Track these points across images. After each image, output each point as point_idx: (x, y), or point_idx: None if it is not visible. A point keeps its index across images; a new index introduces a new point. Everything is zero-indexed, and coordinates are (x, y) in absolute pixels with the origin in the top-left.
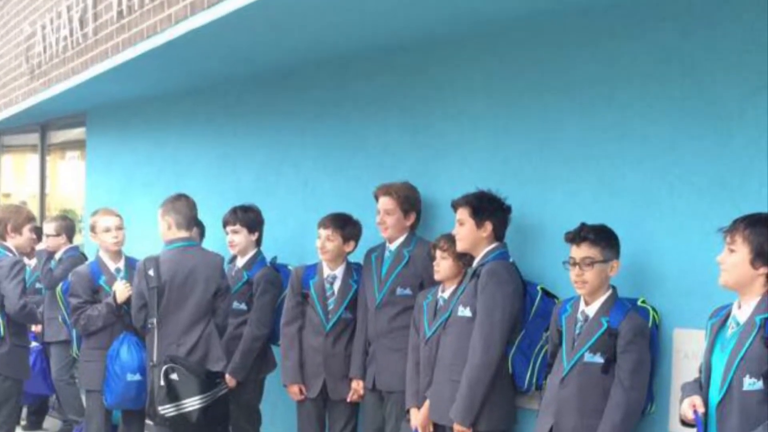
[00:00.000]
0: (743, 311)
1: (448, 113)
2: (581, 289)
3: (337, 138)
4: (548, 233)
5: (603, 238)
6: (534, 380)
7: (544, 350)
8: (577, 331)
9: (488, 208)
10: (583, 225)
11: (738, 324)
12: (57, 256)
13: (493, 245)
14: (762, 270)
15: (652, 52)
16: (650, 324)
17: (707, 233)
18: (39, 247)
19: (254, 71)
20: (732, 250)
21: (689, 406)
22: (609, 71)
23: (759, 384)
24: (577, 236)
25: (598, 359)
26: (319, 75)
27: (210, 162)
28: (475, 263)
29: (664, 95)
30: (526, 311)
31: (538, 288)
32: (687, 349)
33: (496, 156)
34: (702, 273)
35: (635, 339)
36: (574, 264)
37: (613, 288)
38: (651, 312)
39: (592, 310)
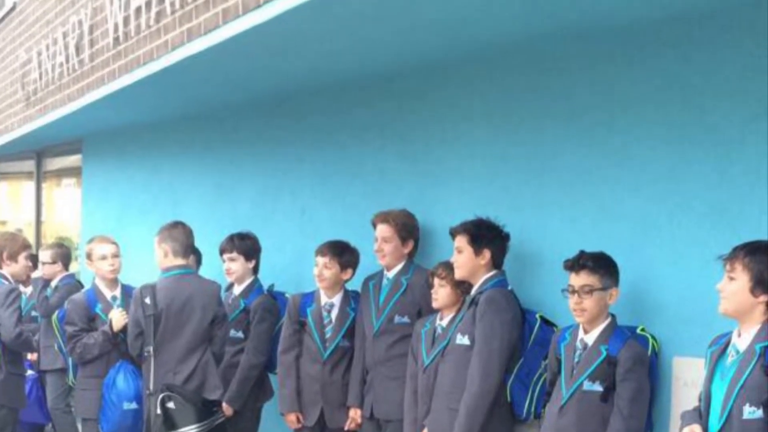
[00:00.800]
0: (743, 339)
1: (446, 140)
2: (580, 317)
3: (335, 165)
4: (547, 260)
5: (602, 265)
6: (533, 409)
7: (542, 378)
8: (576, 360)
9: (487, 236)
10: (582, 252)
11: (738, 352)
12: (53, 283)
13: (492, 273)
14: (762, 298)
15: (652, 78)
16: (650, 352)
17: (707, 261)
18: (35, 274)
19: (251, 98)
20: (732, 278)
21: None
22: (608, 97)
23: (759, 413)
24: (576, 264)
25: (597, 387)
26: (317, 102)
27: (207, 189)
28: (473, 291)
29: (664, 121)
30: (524, 339)
31: (537, 316)
32: (686, 378)
33: (494, 182)
34: (701, 301)
35: (634, 367)
36: (573, 292)
37: (612, 316)
38: (650, 340)
39: (591, 338)
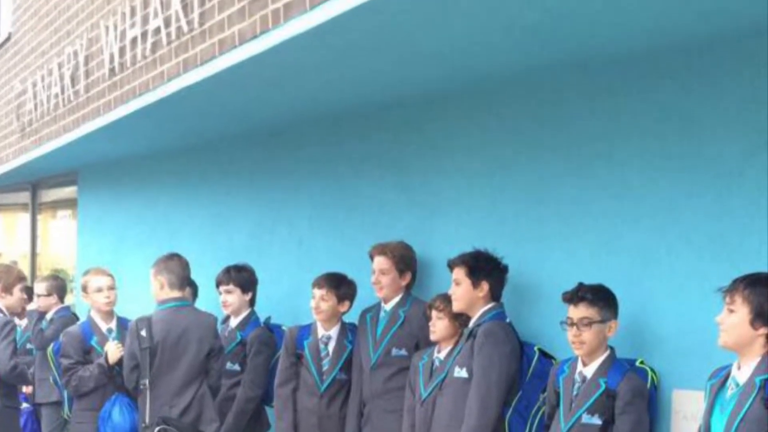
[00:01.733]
0: (743, 372)
1: (444, 171)
2: (579, 350)
3: (332, 197)
4: (545, 293)
5: (601, 298)
6: None
7: (541, 411)
8: (575, 392)
9: (485, 268)
10: (580, 285)
11: (737, 385)
12: (48, 316)
13: (490, 305)
14: (762, 330)
15: (651, 109)
16: (649, 385)
17: (706, 293)
18: (30, 307)
19: (248, 129)
20: (731, 311)
21: None
22: (607, 128)
23: None
24: (575, 296)
25: (596, 420)
26: (314, 132)
27: (203, 221)
28: (471, 323)
29: (663, 153)
30: (523, 372)
31: (535, 348)
32: (686, 411)
33: (492, 214)
34: (701, 333)
35: (634, 400)
36: (572, 324)
37: (611, 348)
38: (650, 373)
39: (590, 370)
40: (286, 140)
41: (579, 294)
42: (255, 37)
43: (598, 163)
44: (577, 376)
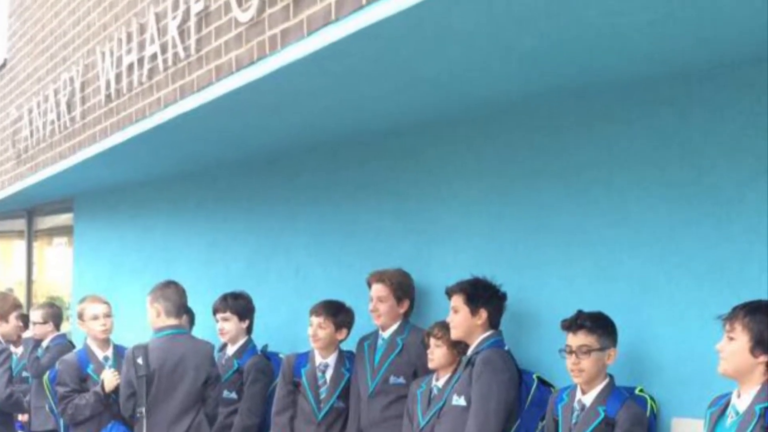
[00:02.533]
0: (743, 400)
1: (441, 198)
2: (578, 378)
3: (329, 224)
4: (544, 320)
5: (600, 325)
6: None
7: None
8: (574, 421)
9: (483, 296)
10: (579, 312)
11: (737, 413)
12: (44, 344)
13: (488, 333)
14: (762, 358)
15: (650, 136)
16: (648, 413)
17: (706, 320)
18: (26, 334)
19: (245, 155)
20: (731, 338)
21: None
22: (606, 155)
23: None
24: (574, 324)
25: None
26: (311, 160)
27: (200, 248)
28: (469, 351)
29: (662, 180)
30: (521, 400)
31: (534, 376)
32: None
33: (490, 242)
34: (701, 361)
35: (633, 428)
36: (571, 352)
37: (610, 376)
38: (649, 401)
39: (588, 399)
40: (283, 167)
41: (578, 321)
42: (252, 63)
43: (597, 191)
44: (576, 404)
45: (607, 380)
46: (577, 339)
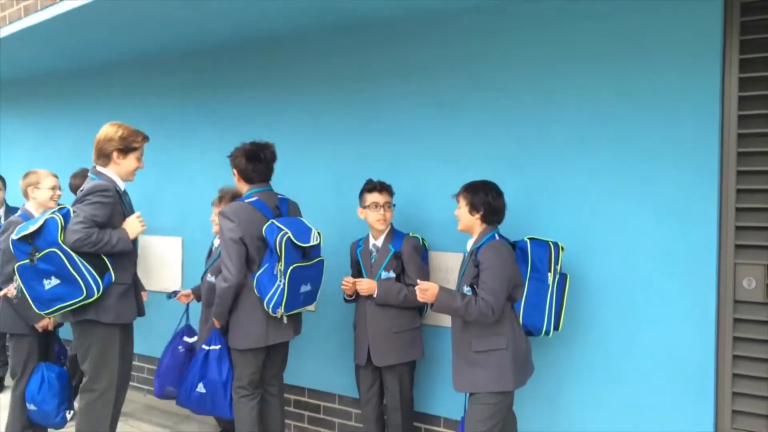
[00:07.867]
0: (469, 244)
1: None
2: (381, 226)
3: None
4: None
5: (385, 187)
6: None
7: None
8: (372, 259)
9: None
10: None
11: (465, 252)
12: None
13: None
14: (476, 215)
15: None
16: (421, 246)
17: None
18: None
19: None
20: (459, 207)
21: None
22: None
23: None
24: (379, 187)
25: (391, 274)
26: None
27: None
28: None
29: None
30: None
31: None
32: (441, 264)
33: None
34: (452, 221)
35: (413, 251)
36: (379, 206)
37: (392, 225)
38: (420, 239)
39: (380, 242)
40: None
41: (379, 186)
42: None
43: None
44: (371, 247)
45: (390, 227)
46: (383, 197)
